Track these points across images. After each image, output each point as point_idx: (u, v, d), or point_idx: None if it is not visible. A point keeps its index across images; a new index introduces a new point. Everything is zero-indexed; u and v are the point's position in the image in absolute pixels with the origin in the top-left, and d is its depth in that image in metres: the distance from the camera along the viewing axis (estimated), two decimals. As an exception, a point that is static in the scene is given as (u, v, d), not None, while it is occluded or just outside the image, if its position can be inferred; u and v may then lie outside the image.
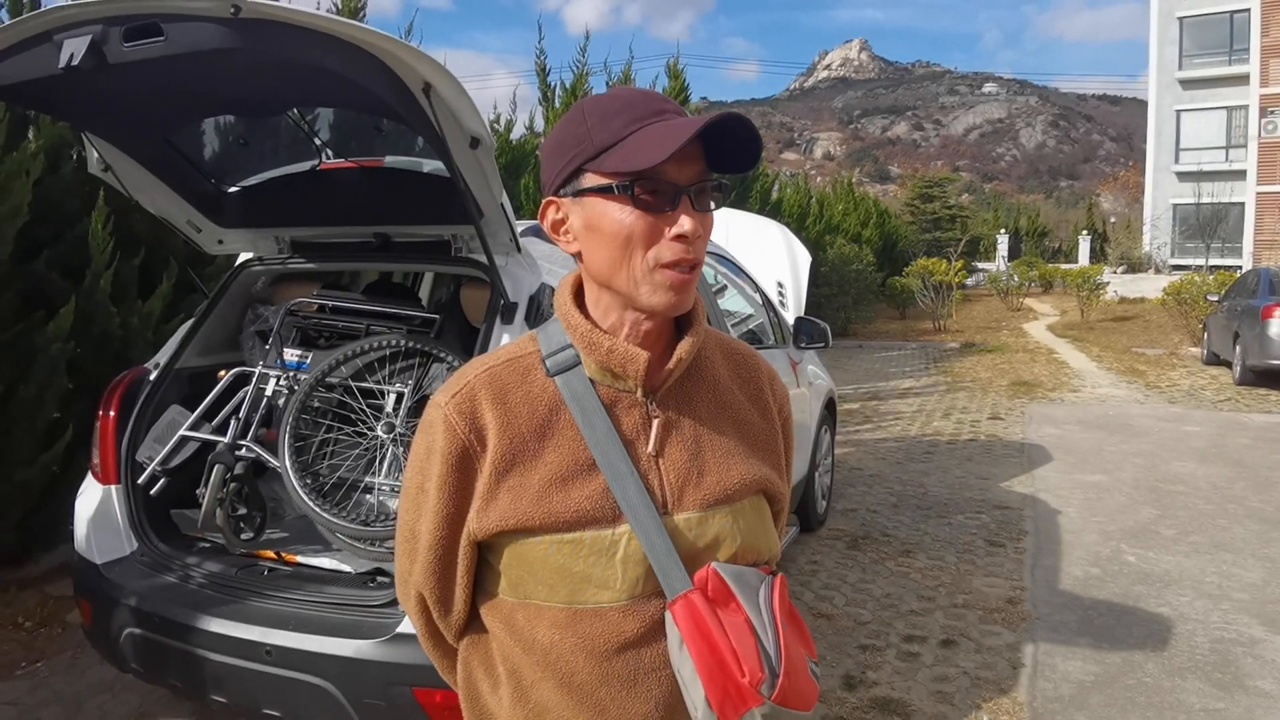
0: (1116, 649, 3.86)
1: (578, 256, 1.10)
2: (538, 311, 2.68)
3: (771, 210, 14.93)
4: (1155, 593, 4.52)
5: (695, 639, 1.01)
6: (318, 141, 2.83)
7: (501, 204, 2.54)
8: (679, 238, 1.03)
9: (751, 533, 1.13)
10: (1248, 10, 33.00)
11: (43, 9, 2.04)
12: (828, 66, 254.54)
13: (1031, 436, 8.59)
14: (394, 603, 2.33)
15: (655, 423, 1.11)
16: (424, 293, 4.11)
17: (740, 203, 13.10)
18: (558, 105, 9.79)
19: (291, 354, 2.98)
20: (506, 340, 2.58)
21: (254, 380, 2.93)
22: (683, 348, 1.11)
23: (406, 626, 2.26)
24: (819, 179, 55.08)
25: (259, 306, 3.20)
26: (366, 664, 2.25)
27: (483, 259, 2.71)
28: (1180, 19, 34.68)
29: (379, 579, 2.58)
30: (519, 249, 2.72)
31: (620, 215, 1.03)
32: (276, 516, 3.04)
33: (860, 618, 4.21)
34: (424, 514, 1.11)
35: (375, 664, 2.24)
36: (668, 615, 1.05)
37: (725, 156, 1.06)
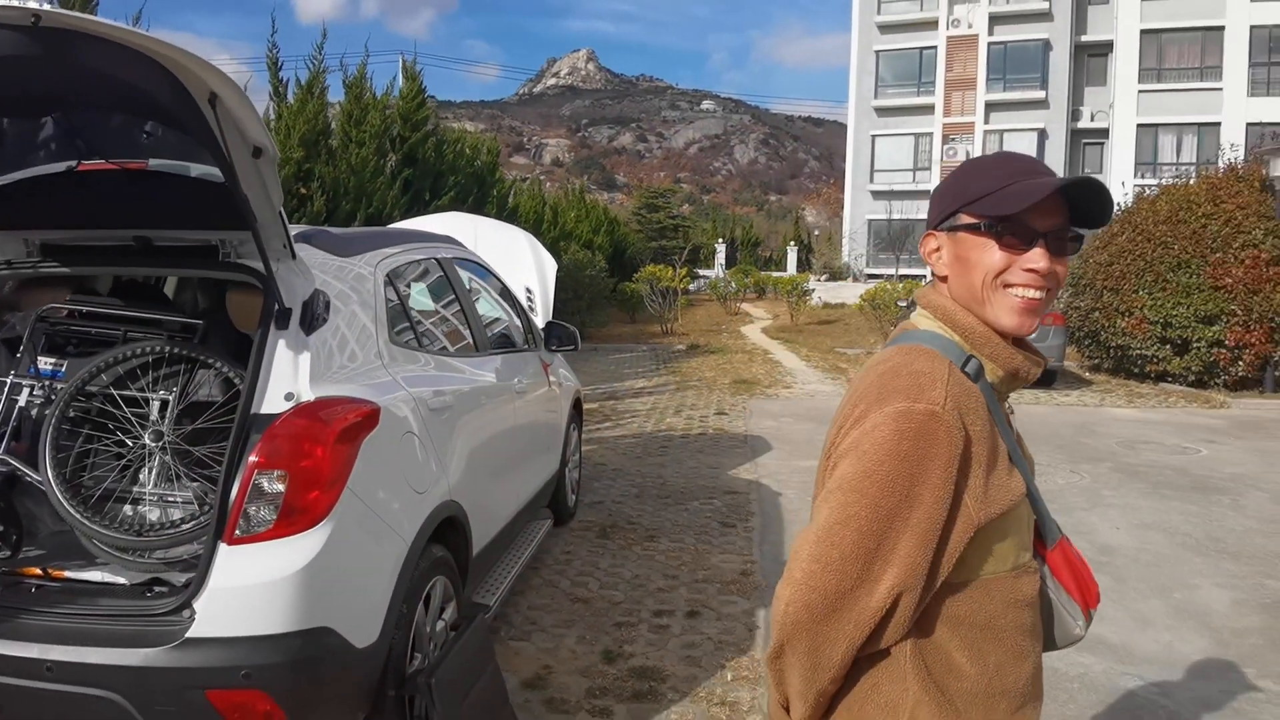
0: (832, 608, 4.45)
1: (943, 279, 1.37)
2: (312, 317, 2.73)
3: (509, 216, 15.15)
4: (860, 559, 5.21)
5: (1074, 569, 1.39)
6: (79, 143, 2.71)
7: (279, 211, 2.59)
8: (1031, 270, 1.27)
9: None
10: (935, 47, 37.67)
11: None
12: (556, 74, 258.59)
13: (753, 429, 9.42)
14: (179, 610, 2.31)
15: (1011, 417, 1.40)
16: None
17: (478, 208, 13.24)
18: (291, 100, 9.46)
19: (46, 362, 2.82)
20: (283, 345, 2.62)
21: (5, 391, 2.75)
22: (1041, 366, 1.38)
23: (197, 631, 2.26)
24: (549, 184, 55.86)
25: (3, 313, 2.99)
26: (156, 672, 2.23)
27: (251, 264, 2.74)
28: (877, 52, 38.92)
29: (156, 589, 2.53)
30: (294, 255, 2.76)
31: (985, 248, 1.29)
32: (31, 534, 2.87)
33: (614, 599, 4.54)
34: (912, 518, 1.20)
35: (166, 670, 2.23)
36: (1041, 561, 1.38)
37: (1087, 213, 1.30)
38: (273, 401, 2.52)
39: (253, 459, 2.40)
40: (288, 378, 2.57)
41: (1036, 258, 1.26)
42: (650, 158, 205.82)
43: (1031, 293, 1.27)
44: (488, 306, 4.97)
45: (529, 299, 6.10)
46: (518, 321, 5.27)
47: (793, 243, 45.23)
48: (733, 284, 28.76)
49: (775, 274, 35.60)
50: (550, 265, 6.63)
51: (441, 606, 3.11)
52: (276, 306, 2.65)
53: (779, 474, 7.35)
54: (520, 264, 6.37)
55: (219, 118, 2.17)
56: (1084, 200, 1.28)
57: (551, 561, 5.07)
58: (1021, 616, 1.31)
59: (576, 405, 6.08)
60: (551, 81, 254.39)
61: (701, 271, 36.86)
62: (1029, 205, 1.24)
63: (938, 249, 1.37)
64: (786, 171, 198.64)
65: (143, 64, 1.94)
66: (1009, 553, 1.29)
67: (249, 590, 2.30)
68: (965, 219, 1.31)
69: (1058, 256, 1.28)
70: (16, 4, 1.66)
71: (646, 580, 4.81)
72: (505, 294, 5.27)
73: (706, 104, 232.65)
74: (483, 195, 14.29)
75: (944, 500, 1.20)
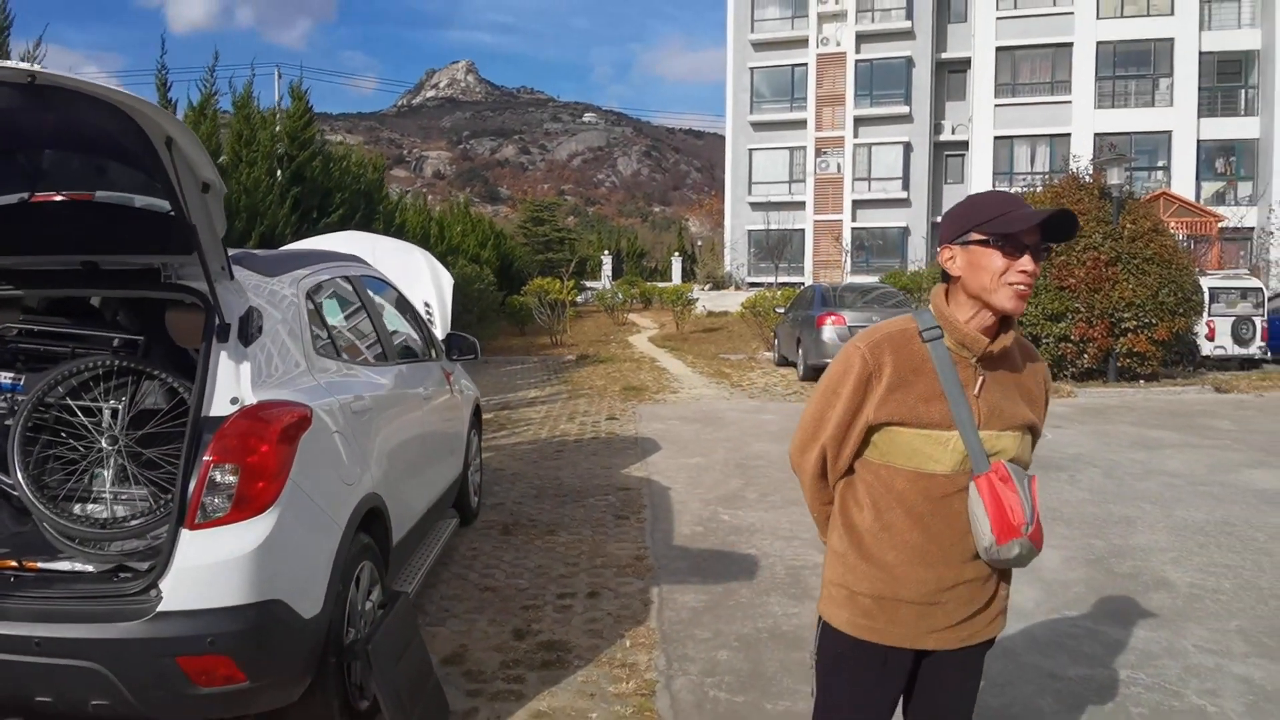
0: (719, 581, 4.97)
1: (956, 279, 1.93)
2: (248, 331, 3.06)
3: (396, 232, 15.31)
4: (744, 539, 5.76)
5: (991, 496, 1.88)
6: (34, 177, 2.96)
7: (220, 238, 2.91)
8: (1023, 271, 1.85)
9: (1019, 449, 1.99)
10: (806, 65, 39.18)
11: None
12: (435, 85, 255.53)
13: (643, 431, 9.92)
14: (147, 589, 2.62)
15: (979, 378, 1.95)
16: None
17: (366, 225, 13.38)
18: (181, 118, 9.49)
19: (5, 377, 3.07)
20: (225, 355, 2.95)
21: None
22: (1005, 339, 1.95)
23: (167, 605, 2.58)
24: (431, 197, 55.57)
25: None
26: (134, 642, 2.53)
27: (191, 285, 3.05)
28: (752, 69, 40.21)
29: (122, 574, 2.82)
30: (231, 276, 3.08)
31: (991, 256, 1.87)
32: None
33: (520, 586, 4.94)
34: (835, 407, 1.97)
35: (142, 641, 2.54)
36: (971, 483, 1.91)
37: (1055, 231, 1.86)
38: (220, 405, 2.85)
39: (207, 457, 2.72)
40: (231, 384, 2.90)
41: (1027, 263, 1.86)
42: (534, 170, 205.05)
43: (1022, 287, 1.86)
44: (393, 320, 5.30)
45: (428, 312, 6.43)
46: (420, 334, 5.60)
47: (677, 253, 46.21)
48: (619, 295, 29.32)
49: (661, 284, 36.31)
50: (447, 280, 6.97)
51: (369, 588, 3.46)
52: (218, 322, 2.98)
53: (668, 471, 7.86)
54: (419, 280, 6.69)
55: (173, 158, 2.51)
56: (1057, 223, 1.86)
57: (459, 557, 5.42)
58: (920, 501, 1.95)
59: (476, 412, 6.45)
60: (431, 93, 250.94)
61: (589, 283, 37.34)
62: (1026, 227, 1.84)
63: (951, 257, 1.95)
64: (669, 183, 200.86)
65: (111, 113, 2.28)
66: (912, 456, 1.94)
67: (211, 568, 2.63)
68: (976, 236, 1.90)
69: (1037, 262, 1.87)
70: (13, 65, 1.99)
71: (549, 569, 5.22)
72: (407, 308, 5.60)
73: (589, 116, 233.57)
74: (370, 212, 14.41)
75: (853, 400, 1.96)
